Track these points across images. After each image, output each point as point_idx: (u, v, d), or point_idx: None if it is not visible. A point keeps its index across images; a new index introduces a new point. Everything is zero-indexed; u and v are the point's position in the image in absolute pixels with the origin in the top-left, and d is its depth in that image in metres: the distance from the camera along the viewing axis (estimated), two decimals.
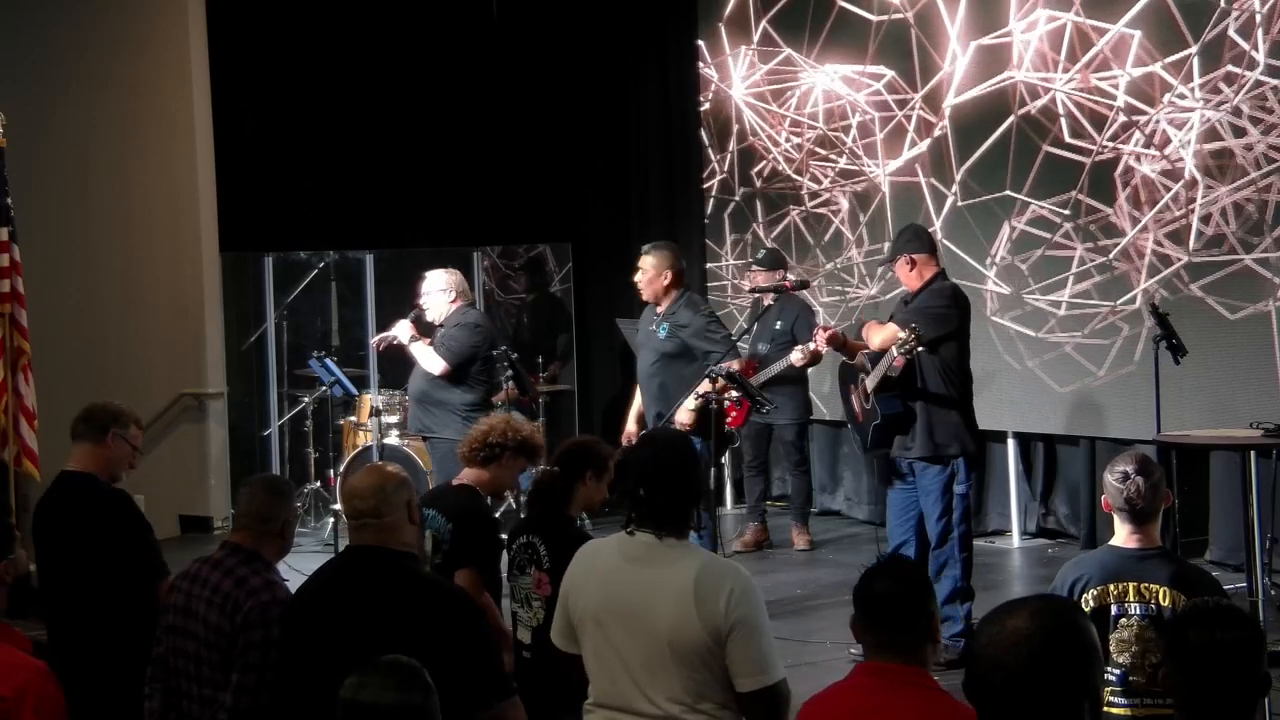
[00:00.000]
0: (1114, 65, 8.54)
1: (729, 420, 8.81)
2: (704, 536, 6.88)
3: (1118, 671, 4.19)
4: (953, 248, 9.29)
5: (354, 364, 10.56)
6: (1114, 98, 8.54)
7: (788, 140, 10.58)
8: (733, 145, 10.99)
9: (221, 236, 10.74)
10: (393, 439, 9.49)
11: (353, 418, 9.98)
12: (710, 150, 11.18)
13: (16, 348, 7.44)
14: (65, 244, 10.06)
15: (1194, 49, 8.14)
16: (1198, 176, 8.21)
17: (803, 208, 10.56)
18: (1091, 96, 8.66)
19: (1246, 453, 6.63)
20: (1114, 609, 4.21)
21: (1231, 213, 8.12)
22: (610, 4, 11.32)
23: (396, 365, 9.25)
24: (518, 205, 11.36)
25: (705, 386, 6.92)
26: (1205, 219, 8.21)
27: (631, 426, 8.18)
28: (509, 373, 8.62)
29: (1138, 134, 8.46)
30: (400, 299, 9.52)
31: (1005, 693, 2.55)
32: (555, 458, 5.27)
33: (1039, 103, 8.91)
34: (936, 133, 9.54)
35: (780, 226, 10.69)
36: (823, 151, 10.36)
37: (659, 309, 7.81)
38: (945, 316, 6.78)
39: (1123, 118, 8.51)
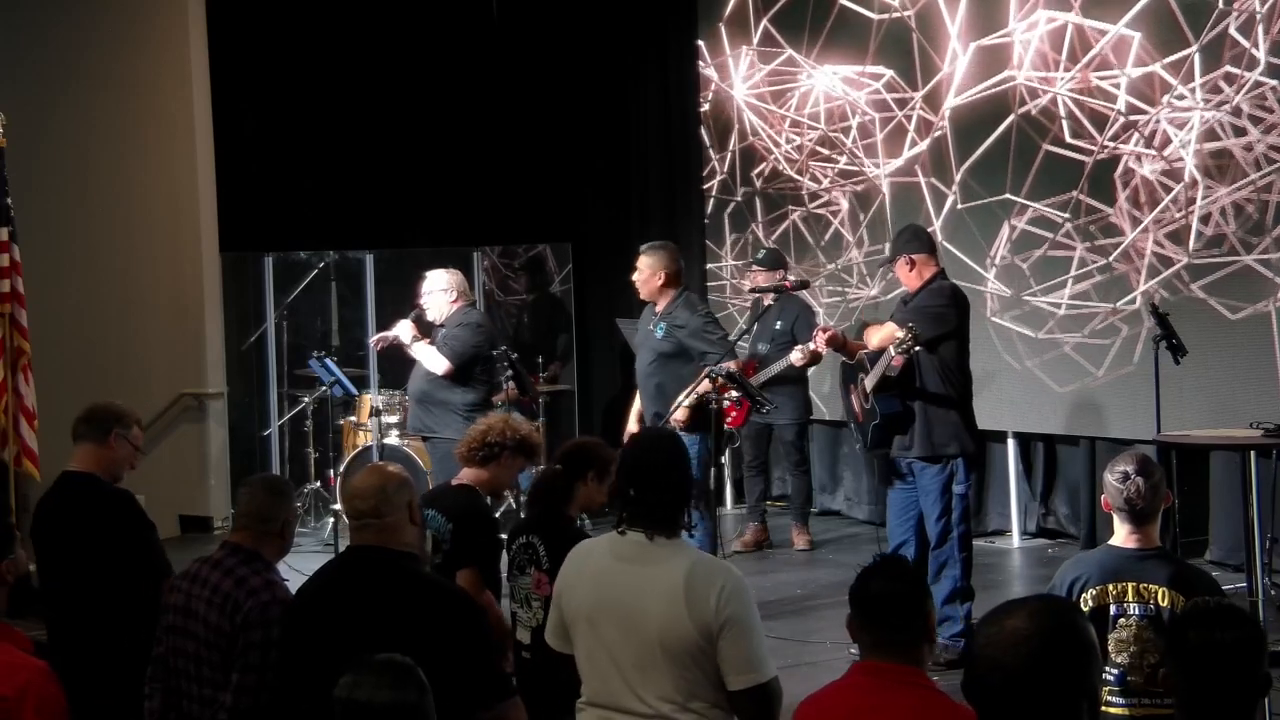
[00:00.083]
0: (1114, 65, 8.54)
1: (729, 420, 8.82)
2: (695, 536, 6.89)
3: (1116, 671, 4.19)
4: (952, 249, 9.29)
5: (354, 364, 10.56)
6: (1114, 98, 8.54)
7: (788, 141, 10.58)
8: (733, 145, 10.99)
9: (221, 236, 10.74)
10: (393, 439, 9.48)
11: (353, 418, 9.98)
12: (710, 150, 11.18)
13: (16, 348, 7.44)
14: (65, 244, 10.07)
15: (1194, 49, 8.14)
16: (1198, 177, 8.21)
17: (803, 208, 10.56)
18: (1092, 97, 8.66)
19: (1246, 453, 6.63)
20: (1113, 609, 4.21)
21: (1231, 213, 8.12)
22: (610, 4, 11.32)
23: (396, 365, 9.25)
24: (518, 205, 11.36)
25: (705, 386, 6.92)
26: (1205, 219, 8.21)
27: (633, 427, 8.17)
28: (509, 373, 8.62)
29: (1138, 134, 8.46)
30: (400, 299, 9.52)
31: (1004, 693, 2.56)
32: (559, 456, 5.28)
33: (1039, 103, 8.92)
34: (936, 133, 9.54)
35: (780, 227, 10.69)
36: (824, 151, 10.36)
37: (657, 309, 7.81)
38: (944, 316, 6.78)
39: (1123, 118, 8.51)
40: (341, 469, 9.64)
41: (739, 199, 10.99)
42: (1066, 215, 8.83)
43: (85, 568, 5.15)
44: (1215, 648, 2.83)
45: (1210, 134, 8.16)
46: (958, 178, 9.42)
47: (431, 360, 8.10)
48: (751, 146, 10.85)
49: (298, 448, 10.57)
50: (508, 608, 5.21)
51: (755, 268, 9.61)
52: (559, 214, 11.55)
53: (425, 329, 8.31)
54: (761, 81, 10.72)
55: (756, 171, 10.85)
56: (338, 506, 8.84)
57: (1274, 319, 7.93)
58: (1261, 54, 7.88)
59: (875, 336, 6.92)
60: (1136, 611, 4.19)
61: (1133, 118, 8.47)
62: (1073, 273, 8.86)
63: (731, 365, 7.29)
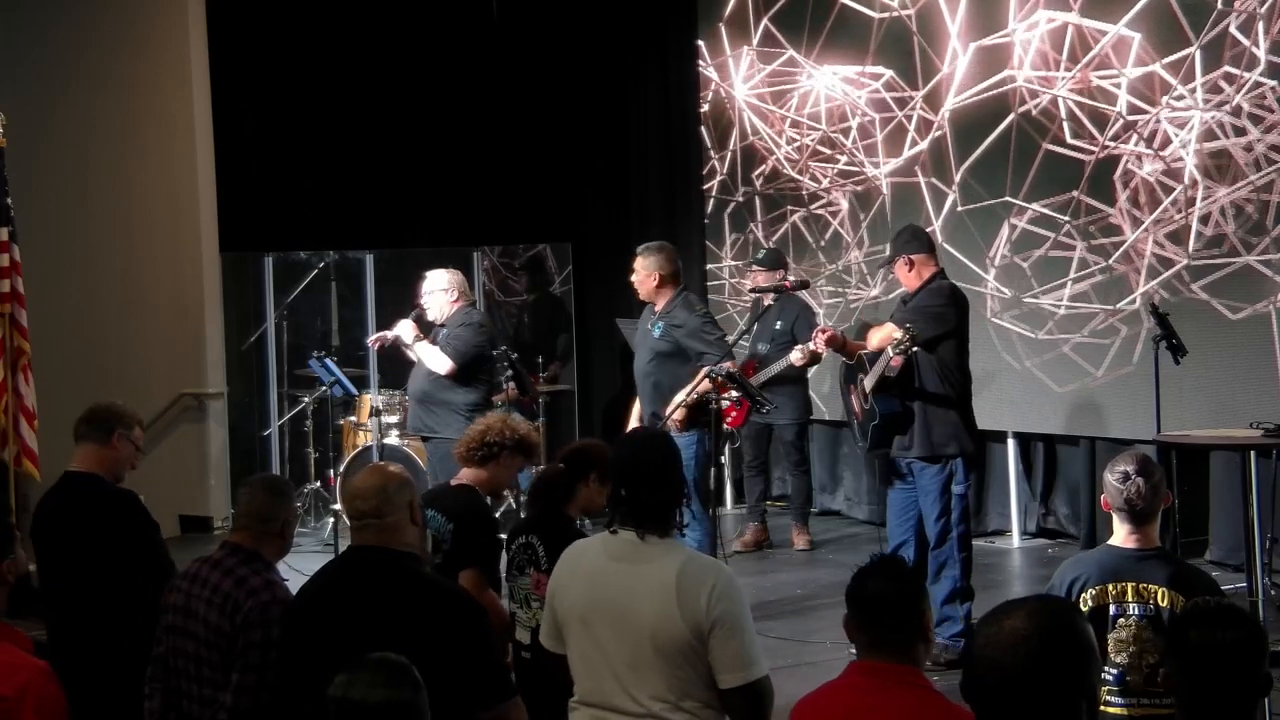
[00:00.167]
0: (1114, 65, 8.54)
1: (728, 421, 8.82)
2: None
3: (1115, 671, 4.19)
4: (951, 250, 9.29)
5: (354, 364, 10.56)
6: (1114, 98, 8.54)
7: (788, 141, 10.58)
8: (733, 145, 11.00)
9: (221, 236, 10.75)
10: (393, 439, 9.49)
11: (353, 418, 9.99)
12: (710, 150, 11.18)
13: (16, 348, 7.44)
14: (65, 244, 10.07)
15: (1194, 49, 8.13)
16: (1198, 177, 8.21)
17: (803, 209, 10.56)
18: (1092, 97, 8.66)
19: (1246, 453, 6.63)
20: (1112, 609, 4.21)
21: (1231, 213, 8.12)
22: (610, 4, 11.32)
23: (396, 365, 9.25)
24: (518, 205, 11.37)
25: (705, 386, 6.92)
26: (1205, 219, 8.21)
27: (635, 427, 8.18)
28: (509, 373, 8.62)
29: (1138, 134, 8.46)
30: (400, 299, 9.52)
31: (1002, 693, 2.56)
32: (562, 455, 5.29)
33: (1039, 103, 8.91)
34: (936, 133, 9.54)
35: (780, 227, 10.69)
36: (825, 151, 10.36)
37: (656, 308, 7.80)
38: (943, 315, 6.79)
39: (1123, 118, 8.51)
40: (341, 469, 9.64)
41: (739, 199, 10.99)
42: (1067, 216, 8.83)
43: (87, 568, 5.15)
44: (1216, 648, 2.83)
45: (1210, 134, 8.15)
46: (957, 178, 9.42)
47: (434, 360, 8.09)
48: (752, 146, 10.85)
49: (298, 448, 10.57)
50: (507, 608, 5.21)
51: (755, 268, 9.61)
52: (559, 214, 11.56)
53: (425, 329, 8.30)
54: (762, 82, 10.72)
55: (756, 172, 10.85)
56: (338, 506, 8.84)
57: (1274, 319, 7.93)
58: (1262, 53, 7.88)
59: (875, 337, 6.93)
60: (1136, 611, 4.19)
61: (1133, 118, 8.47)
62: (1072, 272, 8.85)
63: (729, 365, 7.29)
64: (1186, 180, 8.26)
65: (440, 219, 11.26)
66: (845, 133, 10.18)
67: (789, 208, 10.65)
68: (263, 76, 10.82)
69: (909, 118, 9.73)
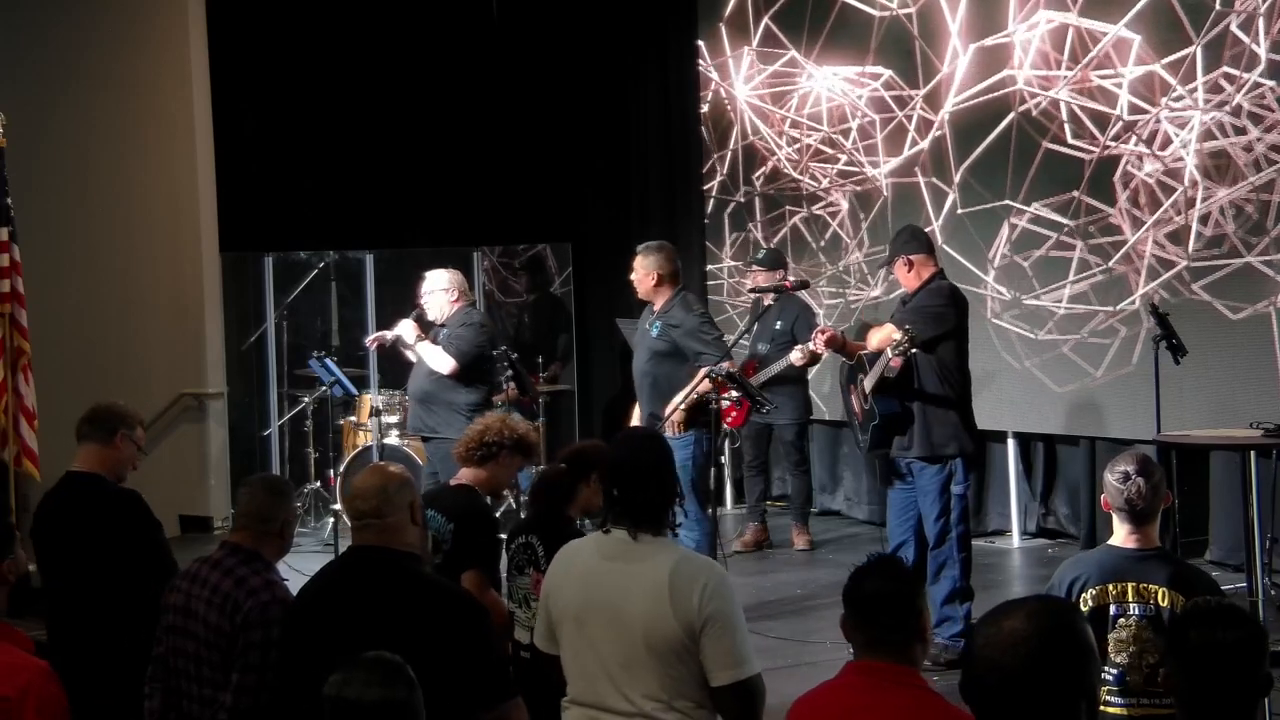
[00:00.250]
0: (1114, 65, 8.54)
1: (728, 421, 8.83)
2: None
3: (1115, 671, 4.19)
4: (950, 252, 9.29)
5: (354, 364, 10.56)
6: (1114, 98, 8.54)
7: (788, 141, 10.58)
8: (733, 145, 11.00)
9: (221, 236, 10.75)
10: (393, 439, 9.49)
11: (353, 418, 9.99)
12: (710, 150, 11.18)
13: (16, 348, 7.44)
14: (65, 244, 10.07)
15: (1194, 48, 8.13)
16: (1198, 177, 8.21)
17: (802, 209, 10.56)
18: (1092, 97, 8.66)
19: (1246, 453, 6.62)
20: (1113, 609, 4.21)
21: (1231, 213, 8.12)
22: (610, 4, 11.32)
23: (396, 365, 9.25)
24: (518, 205, 11.37)
25: (705, 386, 6.92)
26: (1205, 219, 8.21)
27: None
28: (509, 373, 8.62)
29: (1138, 134, 8.46)
30: (400, 299, 9.52)
31: (1002, 693, 2.56)
32: (563, 456, 5.29)
33: (1039, 103, 8.91)
34: (936, 132, 9.54)
35: (780, 227, 10.69)
36: (829, 150, 10.36)
37: (655, 308, 7.80)
38: (942, 315, 6.79)
39: (1124, 118, 8.51)
40: (341, 469, 9.64)
41: (739, 199, 10.99)
42: (1067, 216, 8.83)
43: (90, 568, 5.15)
44: (1216, 648, 2.83)
45: (1210, 134, 8.15)
46: (957, 178, 9.42)
47: (436, 360, 8.08)
48: (752, 146, 10.85)
49: (298, 448, 10.57)
50: (506, 607, 5.22)
51: (755, 268, 9.61)
52: (559, 214, 11.56)
53: (425, 329, 8.30)
54: (762, 83, 10.72)
55: (757, 172, 10.85)
56: (338, 506, 8.85)
57: (1274, 319, 7.93)
58: (1263, 52, 7.88)
59: (875, 338, 6.93)
60: (1136, 611, 4.19)
61: (1133, 118, 8.47)
62: (1072, 273, 8.85)
63: (727, 365, 7.28)
64: (1186, 180, 8.26)
65: (440, 219, 11.26)
66: (845, 133, 10.17)
67: (789, 208, 10.65)
68: (263, 76, 10.82)
69: (909, 118, 9.73)
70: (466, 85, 11.13)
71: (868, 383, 6.84)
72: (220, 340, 10.84)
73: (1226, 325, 8.12)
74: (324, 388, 9.85)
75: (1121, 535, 4.30)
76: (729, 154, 11.04)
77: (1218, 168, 8.16)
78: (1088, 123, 8.69)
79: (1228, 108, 8.05)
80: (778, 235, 10.68)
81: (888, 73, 9.83)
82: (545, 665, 3.97)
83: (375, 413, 9.37)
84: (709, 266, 11.17)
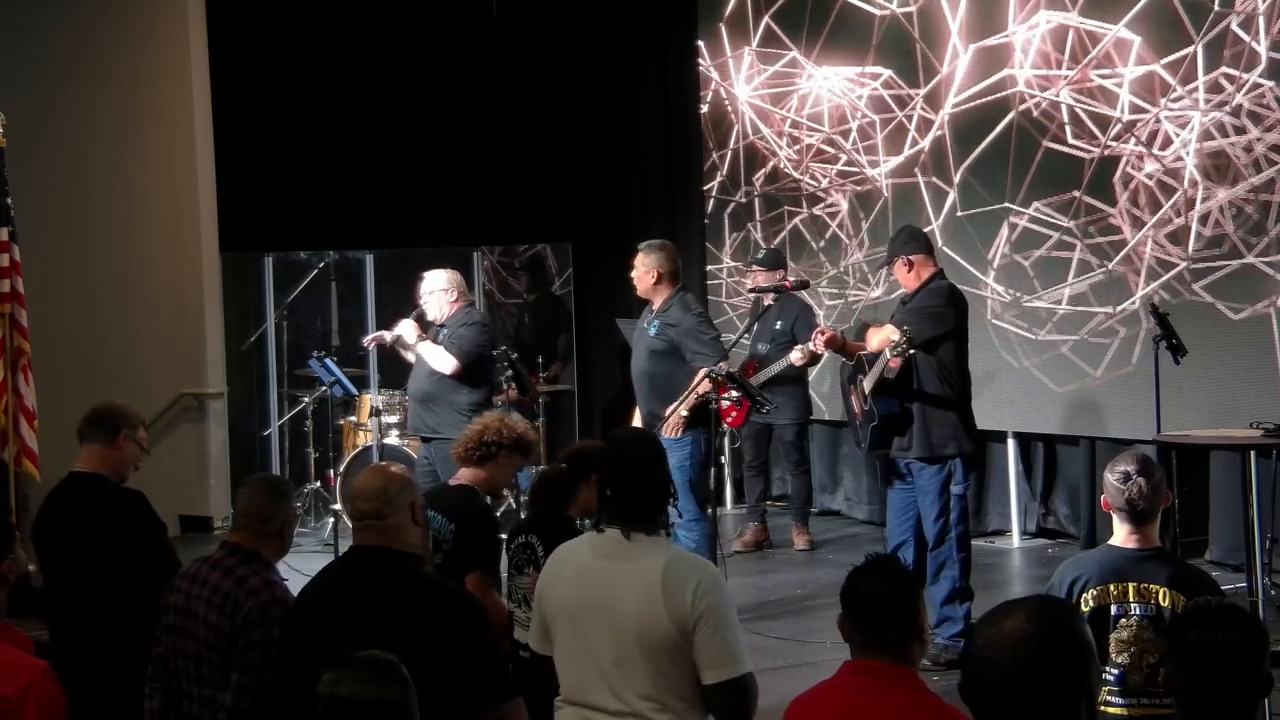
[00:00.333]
0: (1114, 65, 8.54)
1: (728, 421, 8.83)
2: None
3: (1116, 671, 4.19)
4: (950, 252, 9.29)
5: (354, 364, 10.56)
6: (1115, 98, 8.54)
7: (788, 142, 10.58)
8: (733, 145, 11.00)
9: (221, 236, 10.75)
10: (393, 439, 9.48)
11: (353, 418, 9.98)
12: (710, 150, 11.18)
13: (16, 348, 7.44)
14: (65, 244, 10.07)
15: (1194, 48, 8.13)
16: (1198, 177, 8.21)
17: (803, 209, 10.56)
18: (1092, 97, 8.66)
19: (1246, 453, 6.63)
20: (1114, 609, 4.21)
21: (1231, 213, 8.12)
22: (610, 4, 11.32)
23: (396, 365, 9.24)
24: (518, 205, 11.37)
25: (705, 386, 6.91)
26: (1205, 219, 8.21)
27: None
28: (509, 373, 8.62)
29: (1138, 134, 8.46)
30: (400, 299, 9.52)
31: (1001, 694, 2.56)
32: (563, 456, 5.30)
33: (1039, 103, 8.91)
34: (936, 132, 9.54)
35: (780, 228, 10.69)
36: (829, 150, 10.36)
37: (654, 307, 7.79)
38: (942, 316, 6.79)
39: (1124, 118, 8.51)
40: (341, 469, 9.64)
41: (739, 199, 10.99)
42: (1067, 217, 8.83)
43: (93, 568, 5.15)
44: (1217, 648, 2.83)
45: (1210, 134, 8.15)
46: (957, 178, 9.42)
47: (438, 360, 8.07)
48: (752, 146, 10.85)
49: (298, 448, 10.57)
50: (505, 607, 5.22)
51: (755, 268, 9.61)
52: (559, 214, 11.56)
53: (425, 329, 8.30)
54: (762, 83, 10.72)
55: (757, 173, 10.85)
56: (338, 506, 8.85)
57: (1274, 319, 7.93)
58: (1263, 51, 7.88)
59: (875, 338, 6.93)
60: (1137, 612, 4.19)
61: (1133, 118, 8.47)
62: (1072, 273, 8.85)
63: (725, 365, 7.28)
64: (1186, 181, 8.25)
65: (440, 219, 11.26)
66: (845, 134, 10.17)
67: (789, 208, 10.65)
68: (263, 76, 10.82)
69: (909, 118, 9.73)
70: (466, 85, 11.13)
71: (867, 383, 6.84)
72: (220, 340, 10.84)
73: (1226, 325, 8.12)
74: (324, 388, 9.85)
75: (1122, 535, 4.30)
76: (729, 154, 11.04)
77: (1218, 168, 8.16)
78: (1088, 123, 8.69)
79: (1228, 108, 8.05)
80: (778, 235, 10.68)
81: (888, 73, 9.83)
82: (539, 666, 3.97)
83: (375, 413, 9.37)
84: (709, 267, 11.17)
